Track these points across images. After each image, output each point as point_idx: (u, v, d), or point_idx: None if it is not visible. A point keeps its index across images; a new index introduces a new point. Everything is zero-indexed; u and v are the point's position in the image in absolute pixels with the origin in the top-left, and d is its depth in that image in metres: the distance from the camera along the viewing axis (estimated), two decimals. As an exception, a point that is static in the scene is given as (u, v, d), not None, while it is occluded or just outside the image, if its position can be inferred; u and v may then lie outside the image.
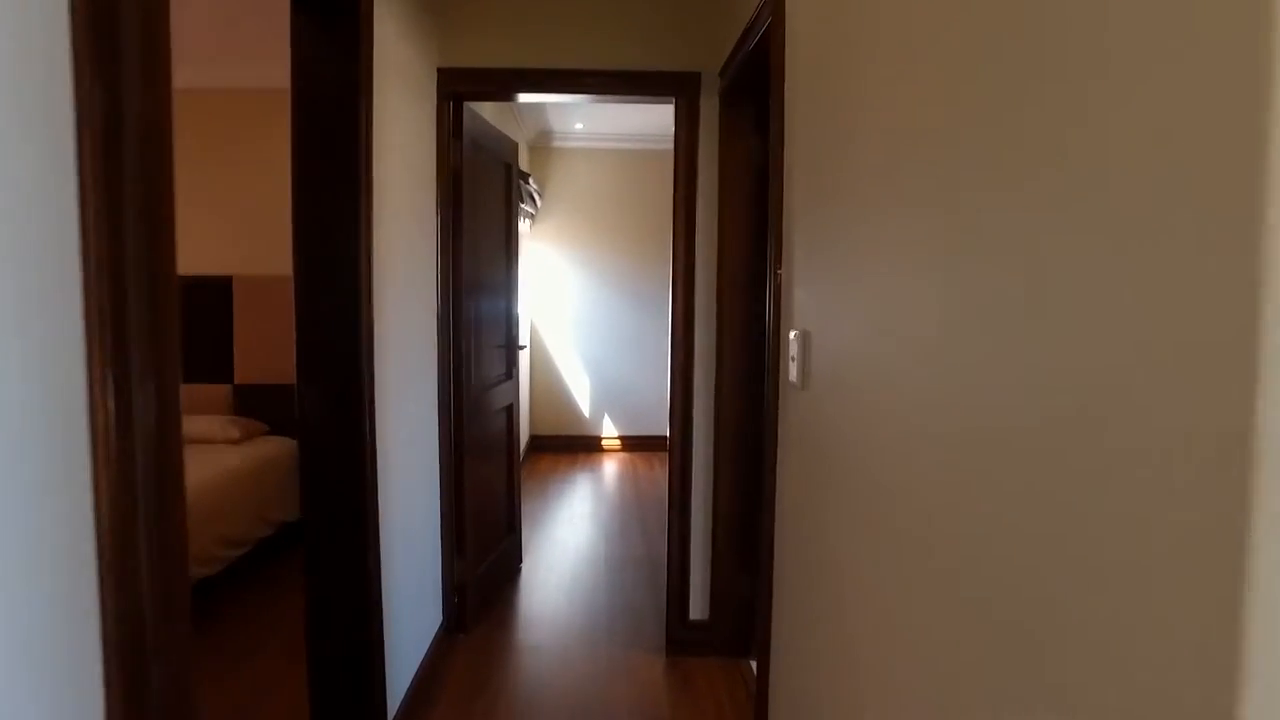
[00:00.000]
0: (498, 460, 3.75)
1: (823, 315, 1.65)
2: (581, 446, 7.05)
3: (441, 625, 3.16)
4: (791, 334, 1.86)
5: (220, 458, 4.10)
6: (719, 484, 3.12)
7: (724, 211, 3.05)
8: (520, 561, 4.13)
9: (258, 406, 4.69)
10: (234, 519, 3.73)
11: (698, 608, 3.19)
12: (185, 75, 4.71)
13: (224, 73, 4.56)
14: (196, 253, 4.80)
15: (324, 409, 2.04)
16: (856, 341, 1.42)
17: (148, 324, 1.01)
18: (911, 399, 1.17)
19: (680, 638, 3.17)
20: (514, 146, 3.96)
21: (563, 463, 6.66)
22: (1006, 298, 0.89)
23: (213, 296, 4.72)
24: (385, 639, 2.33)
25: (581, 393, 7.08)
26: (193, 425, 4.51)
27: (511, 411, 3.90)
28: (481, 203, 3.44)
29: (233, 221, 4.67)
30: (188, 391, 4.78)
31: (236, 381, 4.77)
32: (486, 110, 3.94)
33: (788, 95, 1.97)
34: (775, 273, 2.07)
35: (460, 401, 3.19)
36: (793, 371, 1.84)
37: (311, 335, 2.00)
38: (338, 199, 1.99)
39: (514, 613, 3.58)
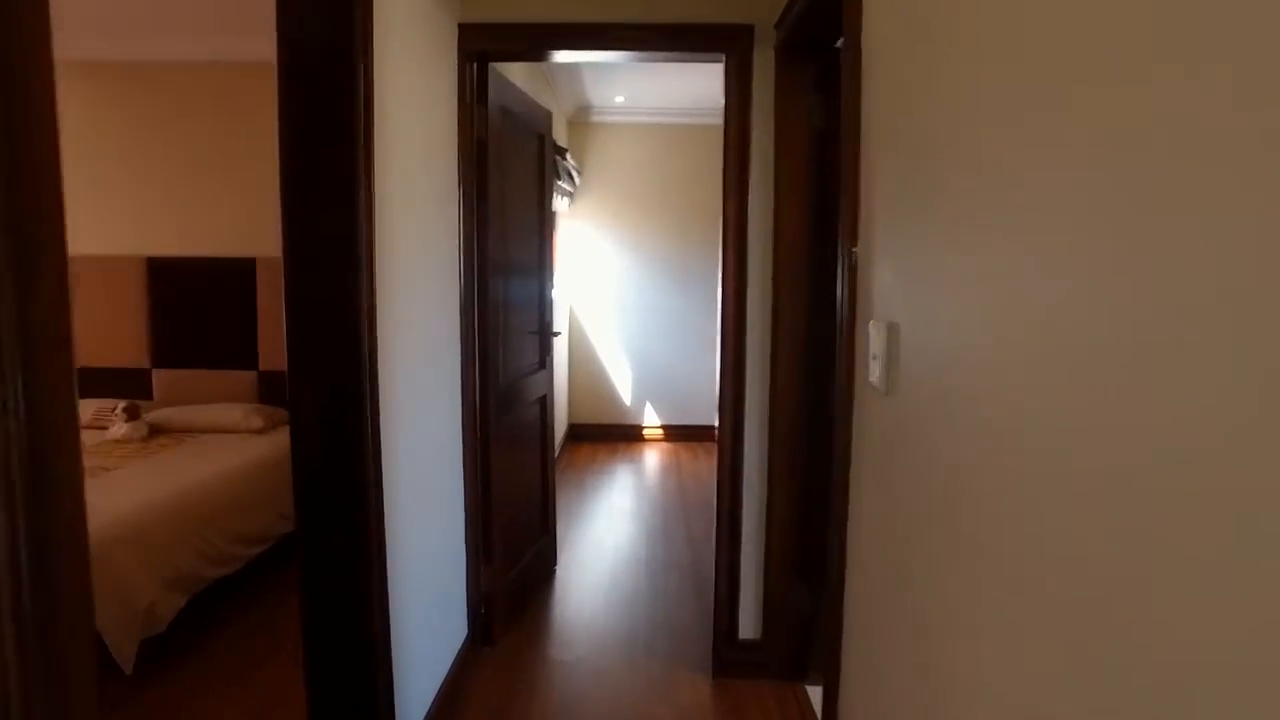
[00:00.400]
0: (530, 458, 3.47)
1: (918, 303, 1.31)
2: (621, 436, 6.76)
3: (467, 638, 2.90)
4: (872, 326, 1.52)
5: (241, 448, 3.89)
6: (774, 489, 2.79)
7: (780, 181, 2.70)
8: (554, 564, 3.85)
9: (283, 393, 4.47)
10: (253, 515, 3.52)
11: (749, 625, 2.88)
12: (208, 48, 4.49)
13: (247, 46, 4.32)
14: (219, 234, 4.60)
15: (318, 408, 1.76)
16: (971, 339, 1.08)
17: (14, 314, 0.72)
18: (1063, 420, 0.83)
19: (729, 658, 2.86)
20: (548, 116, 3.64)
21: (602, 452, 6.39)
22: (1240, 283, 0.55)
23: (236, 279, 4.52)
24: (396, 663, 2.07)
25: (622, 380, 6.78)
26: (214, 414, 4.31)
27: (545, 404, 3.61)
28: (511, 177, 3.14)
29: (256, 201, 4.45)
30: (211, 378, 4.60)
31: (261, 368, 4.58)
32: (518, 78, 3.63)
33: (867, 26, 1.61)
34: (849, 251, 1.73)
35: (487, 395, 2.91)
36: (873, 372, 1.50)
37: (302, 324, 1.72)
38: (329, 172, 1.71)
39: (546, 623, 3.31)
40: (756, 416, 2.81)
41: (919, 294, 1.30)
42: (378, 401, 1.86)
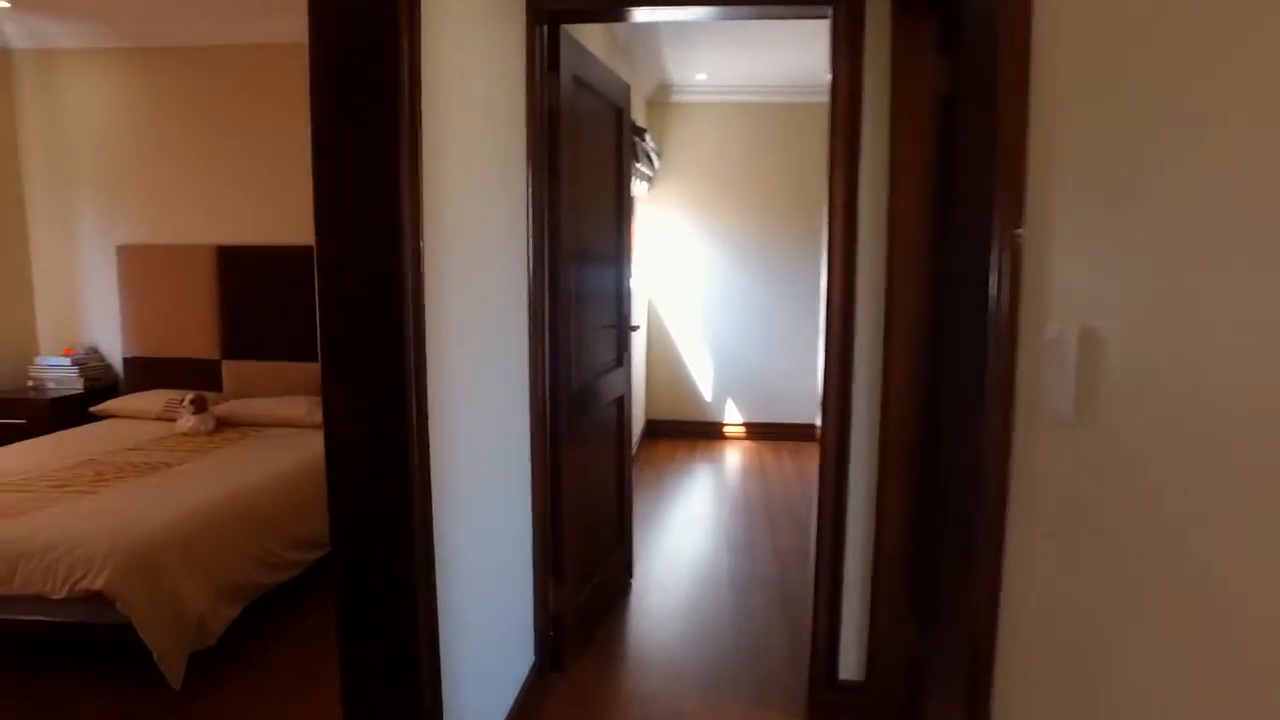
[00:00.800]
0: (605, 463, 3.18)
1: (1143, 300, 0.94)
2: (701, 433, 6.43)
3: (534, 665, 2.63)
4: (1054, 332, 1.15)
5: (304, 444, 3.73)
6: (884, 512, 2.42)
7: (897, 156, 2.31)
8: (630, 576, 3.56)
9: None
10: (314, 517, 3.32)
11: (850, 664, 2.52)
12: (272, 28, 4.34)
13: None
14: (288, 221, 4.46)
15: (356, 417, 1.49)
16: (1255, 351, 0.71)
17: None
18: None
19: (827, 699, 2.51)
20: (626, 89, 3.32)
21: (681, 450, 6.07)
22: None
23: (303, 267, 4.36)
24: (452, 700, 1.81)
25: (702, 375, 6.44)
26: (280, 407, 4.18)
27: (622, 405, 3.31)
28: (585, 154, 2.84)
29: (324, 186, 4.28)
30: (278, 370, 4.47)
31: (329, 360, 4.42)
32: (594, 47, 3.31)
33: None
34: (1007, 234, 1.35)
35: (558, 396, 2.62)
36: (1057, 394, 1.13)
37: (337, 322, 1.45)
38: (367, 144, 1.43)
39: (621, 646, 3.01)
40: (865, 429, 2.44)
41: (1148, 287, 0.93)
42: (426, 408, 1.58)
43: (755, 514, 4.57)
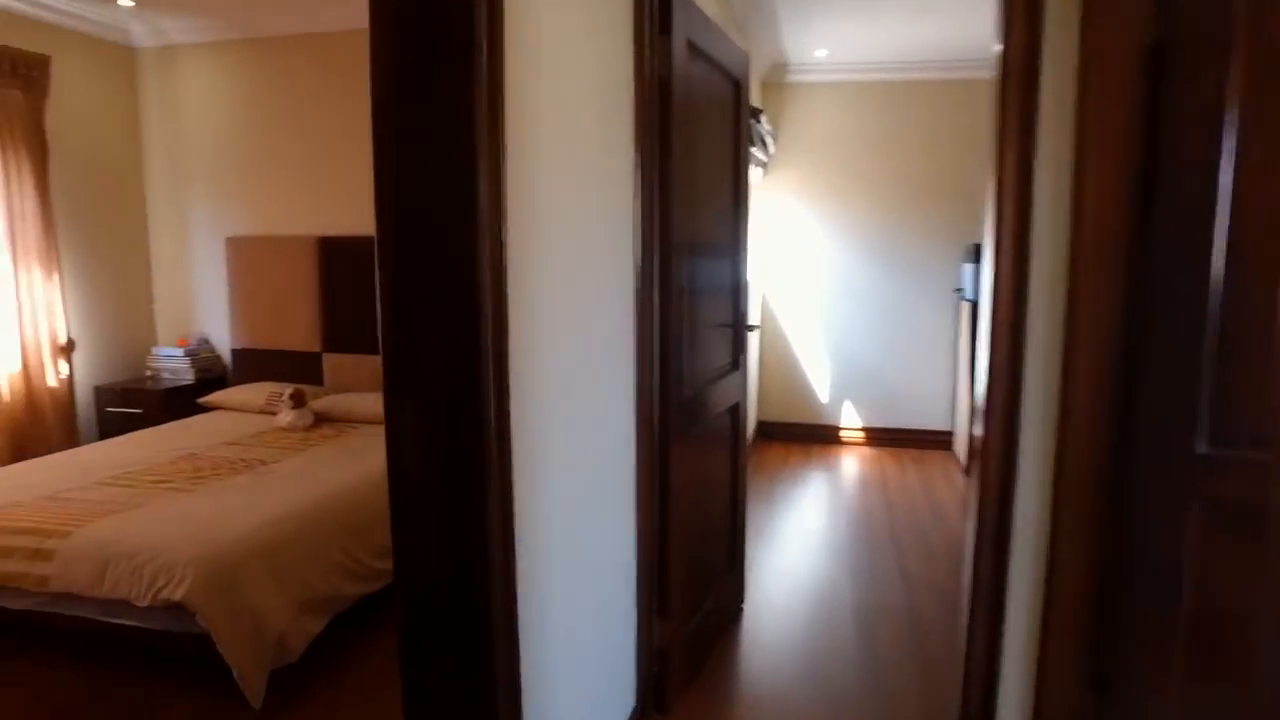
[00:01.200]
0: (717, 479, 2.85)
1: None
2: (816, 437, 6.00)
3: (635, 709, 2.34)
4: None
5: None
6: (1058, 551, 1.99)
7: (1087, 127, 1.87)
8: (741, 601, 3.22)
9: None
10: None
11: (1008, 733, 2.10)
12: (341, 16, 4.20)
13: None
14: (360, 211, 4.33)
15: (424, 446, 1.23)
16: None
17: None
18: None
19: (977, 773, 2.11)
20: (745, 59, 2.97)
21: (794, 455, 5.67)
22: None
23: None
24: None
25: (819, 375, 6.00)
26: (376, 403, 4.04)
27: (738, 414, 2.97)
28: (700, 131, 2.51)
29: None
30: (372, 364, 4.35)
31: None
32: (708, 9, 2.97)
33: None
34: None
35: (667, 406, 2.31)
36: None
37: (400, 329, 1.18)
38: (437, 109, 1.14)
39: (731, 683, 2.69)
40: (1035, 456, 2.01)
41: None
42: (509, 435, 1.30)
43: (877, 531, 4.14)
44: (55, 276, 4.26)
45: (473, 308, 1.15)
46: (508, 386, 1.27)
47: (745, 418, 3.09)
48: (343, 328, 4.46)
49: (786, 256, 5.92)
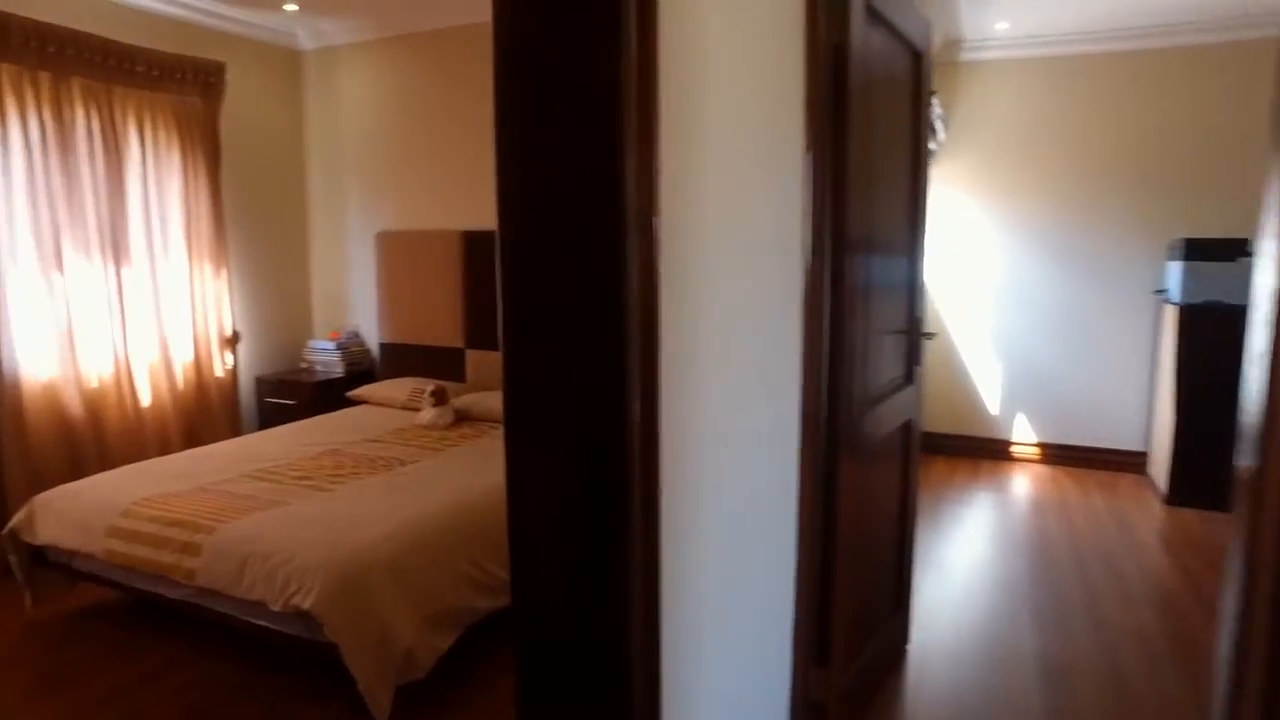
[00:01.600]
0: (885, 508, 2.50)
1: None
2: (984, 451, 5.43)
3: (785, 769, 2.05)
4: None
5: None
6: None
7: None
8: (905, 643, 2.85)
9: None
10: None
11: None
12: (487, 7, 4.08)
13: None
14: None
15: (550, 494, 0.99)
16: None
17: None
18: None
19: None
20: (926, 27, 2.59)
21: (960, 471, 5.14)
22: None
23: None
24: None
25: (989, 384, 5.43)
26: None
27: (910, 432, 2.61)
28: (878, 111, 2.17)
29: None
30: (498, 360, 4.24)
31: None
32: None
33: None
34: None
35: (835, 426, 1.99)
36: None
37: (522, 344, 0.95)
38: (573, 74, 0.90)
39: (897, 745, 2.34)
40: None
41: None
42: (656, 462, 1.05)
43: (1061, 566, 3.62)
44: (223, 272, 4.44)
45: (615, 322, 0.91)
46: (657, 416, 1.01)
47: (918, 437, 2.71)
48: (485, 323, 4.40)
49: (953, 253, 5.39)
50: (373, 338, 4.95)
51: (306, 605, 2.21)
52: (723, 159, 1.38)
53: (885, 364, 2.38)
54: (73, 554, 2.86)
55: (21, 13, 3.46)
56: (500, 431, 3.63)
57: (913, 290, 2.56)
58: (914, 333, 2.56)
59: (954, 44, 5.17)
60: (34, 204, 3.64)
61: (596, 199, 0.91)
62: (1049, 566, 3.62)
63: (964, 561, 3.71)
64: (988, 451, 5.42)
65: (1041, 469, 5.21)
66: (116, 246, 3.95)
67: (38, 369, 3.70)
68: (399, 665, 2.29)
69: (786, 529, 1.92)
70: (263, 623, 2.44)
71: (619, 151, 0.90)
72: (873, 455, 2.30)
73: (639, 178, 0.92)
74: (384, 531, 2.48)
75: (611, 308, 0.92)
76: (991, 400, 5.43)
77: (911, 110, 2.47)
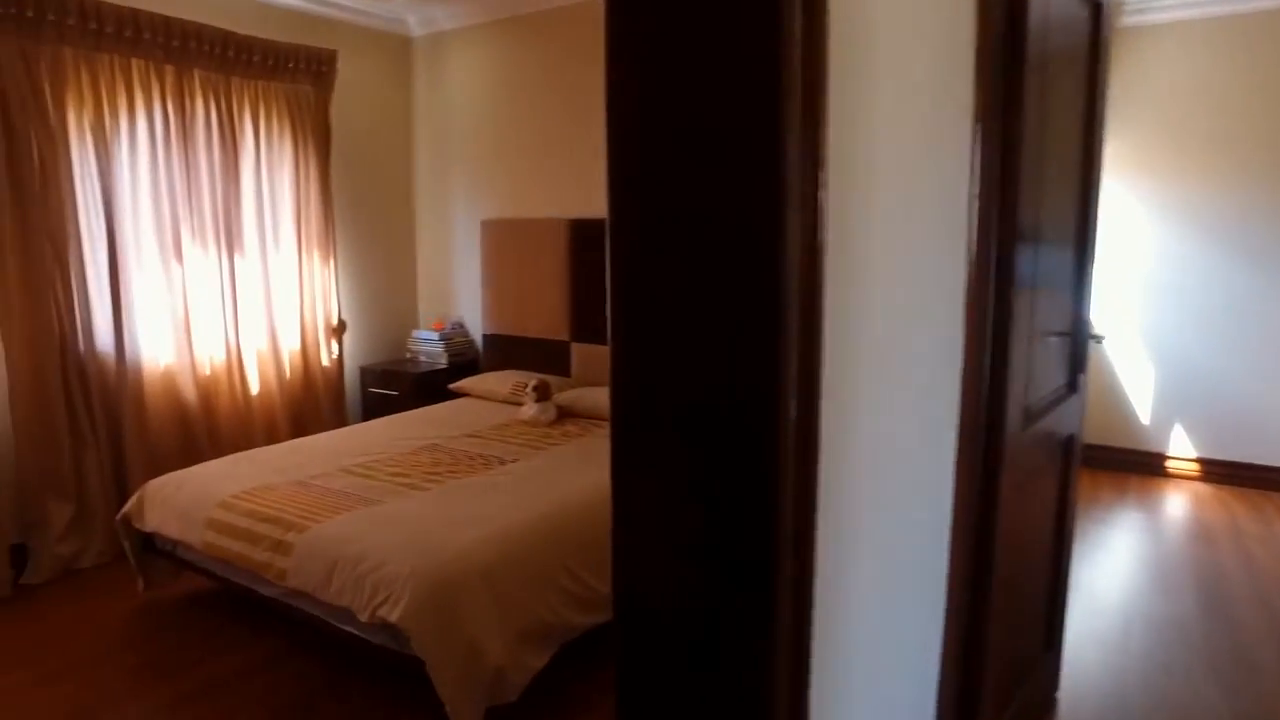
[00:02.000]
0: (1039, 536, 2.16)
1: None
2: (1134, 465, 4.87)
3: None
4: None
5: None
6: None
7: None
8: (1055, 690, 2.49)
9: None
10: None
11: None
12: None
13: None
14: None
15: (673, 554, 0.76)
16: None
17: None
18: None
19: None
20: (1107, -22, 2.20)
21: (1106, 486, 4.62)
22: None
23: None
24: None
25: (1140, 390, 4.86)
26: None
27: (1070, 450, 2.25)
28: (1053, 71, 1.82)
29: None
30: (604, 355, 4.04)
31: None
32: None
33: None
34: None
35: (996, 444, 1.68)
36: None
37: (637, 355, 0.72)
38: (728, 68, 0.66)
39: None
40: None
41: None
42: (813, 541, 0.80)
43: (1240, 608, 3.12)
44: (331, 261, 4.44)
45: (769, 335, 0.67)
46: (818, 441, 0.76)
47: (1078, 456, 2.34)
48: (592, 316, 4.22)
49: (1109, 244, 4.84)
50: (476, 328, 4.87)
51: (393, 618, 2.08)
52: (885, 125, 1.11)
53: (1048, 371, 2.03)
54: (176, 543, 2.85)
55: (150, 9, 3.51)
56: (605, 430, 3.46)
57: (1080, 287, 2.19)
58: (1080, 336, 2.20)
59: (1113, 6, 4.61)
60: (156, 196, 3.70)
61: (744, 164, 0.67)
62: (1225, 608, 3.13)
63: (1116, 595, 3.27)
64: (1137, 465, 4.86)
65: (1202, 488, 4.62)
66: (230, 236, 3.99)
67: (157, 356, 3.77)
68: (489, 685, 2.13)
69: (935, 563, 1.63)
70: (351, 629, 2.33)
71: (777, 117, 0.65)
72: (1032, 474, 1.97)
73: (806, 142, 0.67)
74: (478, 539, 2.33)
75: (765, 319, 0.67)
76: (1143, 408, 4.85)
77: (1087, 73, 2.10)
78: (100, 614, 3.05)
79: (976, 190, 1.48)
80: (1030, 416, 1.88)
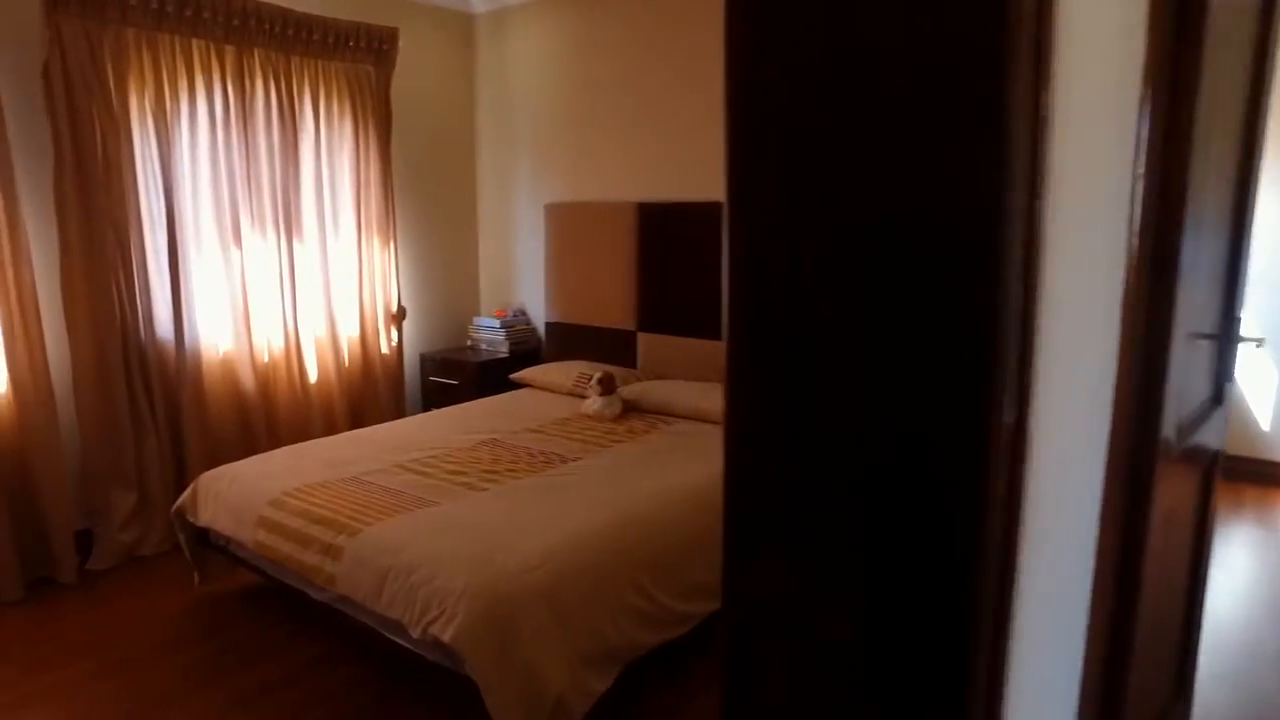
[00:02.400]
0: (1176, 567, 1.87)
1: None
2: (1250, 474, 4.44)
3: None
4: None
5: (715, 448, 2.99)
6: None
7: None
8: (1182, 738, 2.20)
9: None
10: (715, 553, 2.57)
11: None
12: None
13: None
14: (685, 174, 3.79)
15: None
16: None
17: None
18: None
19: None
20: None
21: (1222, 496, 4.20)
22: None
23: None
24: None
25: (1258, 391, 4.42)
26: (695, 396, 3.53)
27: (1213, 469, 1.95)
28: (1221, 46, 1.52)
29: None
30: (689, 348, 3.84)
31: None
32: None
33: None
34: None
35: (1150, 464, 1.41)
36: None
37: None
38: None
39: None
40: None
41: None
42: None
43: (1392, 645, 2.76)
44: (391, 245, 4.33)
45: (987, 311, 0.45)
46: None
47: (1217, 474, 2.04)
48: (661, 304, 4.01)
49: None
50: (539, 316, 4.72)
51: (446, 637, 1.92)
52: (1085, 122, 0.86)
53: (1194, 379, 1.74)
54: (229, 540, 2.77)
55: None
56: (675, 426, 3.25)
57: (1232, 281, 1.88)
58: (1230, 338, 1.89)
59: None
60: (215, 179, 3.63)
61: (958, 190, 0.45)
62: (1373, 642, 2.77)
63: (1242, 625, 2.93)
64: (1254, 475, 4.43)
65: (1329, 500, 4.18)
66: (289, 220, 3.90)
67: (216, 344, 3.71)
68: (548, 713, 1.95)
69: (1078, 590, 1.38)
70: (403, 642, 2.19)
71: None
72: (1178, 505, 1.69)
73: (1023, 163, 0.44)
74: (539, 550, 2.15)
75: (981, 298, 0.45)
76: (1261, 412, 4.41)
77: (1255, 43, 1.78)
78: (159, 606, 3.00)
79: (1143, 168, 1.21)
80: (1180, 428, 1.60)
